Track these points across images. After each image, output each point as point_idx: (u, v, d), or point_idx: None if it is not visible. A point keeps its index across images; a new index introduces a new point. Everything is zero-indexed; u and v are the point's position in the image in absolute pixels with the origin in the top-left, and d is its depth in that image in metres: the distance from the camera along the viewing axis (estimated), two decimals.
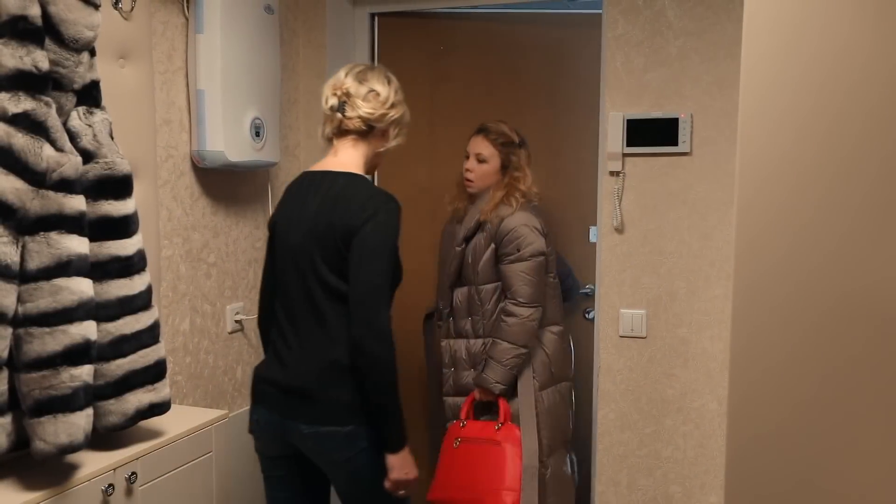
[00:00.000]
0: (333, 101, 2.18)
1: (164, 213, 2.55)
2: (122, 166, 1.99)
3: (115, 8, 2.24)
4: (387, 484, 2.12)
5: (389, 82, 2.21)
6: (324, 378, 2.12)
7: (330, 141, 2.24)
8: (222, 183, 2.81)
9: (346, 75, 2.19)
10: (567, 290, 3.18)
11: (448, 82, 3.39)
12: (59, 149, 1.79)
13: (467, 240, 2.90)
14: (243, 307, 2.94)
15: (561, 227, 3.29)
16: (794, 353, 1.40)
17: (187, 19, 2.61)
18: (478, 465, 2.80)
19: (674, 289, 3.06)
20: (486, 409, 2.93)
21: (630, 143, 3.04)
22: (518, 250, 2.80)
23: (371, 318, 2.03)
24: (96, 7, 1.92)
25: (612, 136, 3.05)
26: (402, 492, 2.15)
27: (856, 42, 1.34)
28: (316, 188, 2.18)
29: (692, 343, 3.05)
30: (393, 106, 2.20)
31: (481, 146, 2.94)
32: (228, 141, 2.64)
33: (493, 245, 2.85)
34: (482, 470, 2.79)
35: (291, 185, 2.29)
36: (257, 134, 2.78)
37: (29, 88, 1.74)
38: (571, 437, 3.10)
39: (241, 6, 2.69)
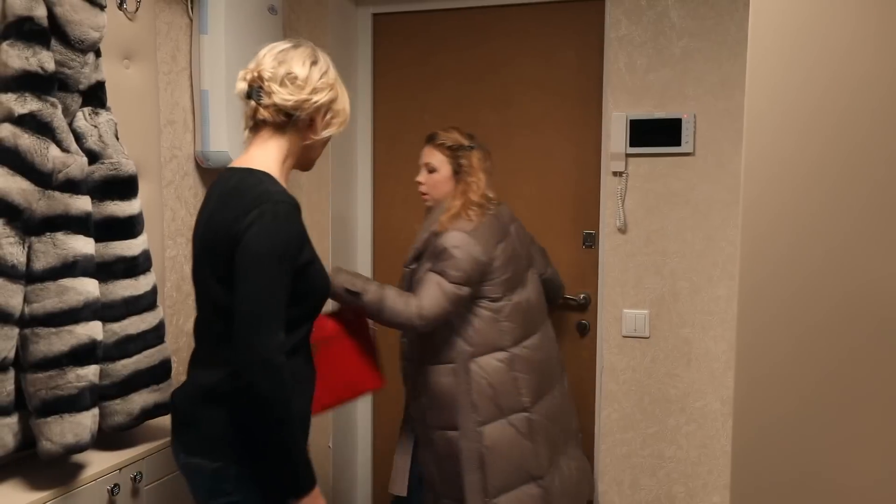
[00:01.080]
0: (242, 86, 1.88)
1: (168, 213, 2.55)
2: (128, 167, 2.00)
3: (120, 9, 2.24)
4: None
5: (315, 62, 1.88)
6: (198, 403, 1.85)
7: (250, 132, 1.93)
8: None
9: (265, 55, 1.88)
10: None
11: (449, 81, 3.39)
12: (65, 149, 1.80)
13: (417, 259, 2.67)
14: None
15: (557, 229, 3.29)
16: (799, 351, 1.40)
17: (191, 20, 2.61)
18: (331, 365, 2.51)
19: (677, 289, 3.06)
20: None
21: (633, 144, 3.04)
22: (445, 271, 2.55)
23: (254, 344, 1.68)
24: (102, 8, 1.93)
25: (616, 136, 3.06)
26: None
27: (860, 43, 1.34)
28: (216, 190, 1.89)
29: (695, 343, 3.06)
30: (316, 90, 1.85)
31: (430, 155, 2.74)
32: (232, 141, 2.64)
33: (429, 263, 2.61)
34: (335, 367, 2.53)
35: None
36: None
37: (35, 89, 1.75)
38: (543, 469, 2.72)
39: (245, 7, 2.70)
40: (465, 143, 2.73)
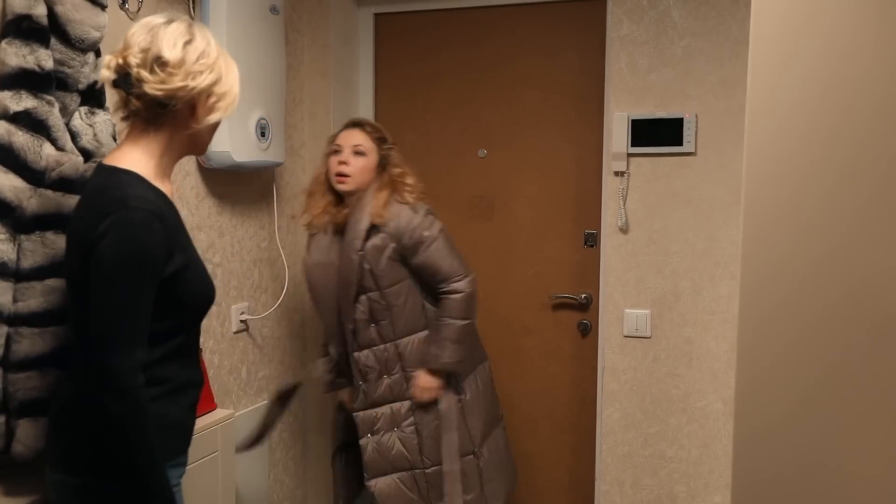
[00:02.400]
0: (107, 75, 1.63)
1: None
2: None
3: (122, 8, 2.24)
4: None
5: (189, 41, 1.63)
6: (59, 414, 1.71)
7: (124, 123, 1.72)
8: (228, 183, 2.81)
9: (134, 34, 1.63)
10: None
11: (451, 81, 3.39)
12: (60, 148, 1.79)
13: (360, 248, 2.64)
14: (248, 307, 2.95)
15: (558, 228, 3.29)
16: (800, 349, 1.40)
17: (193, 20, 2.60)
18: None
19: (678, 289, 3.06)
20: None
21: (635, 144, 3.04)
22: (424, 236, 2.61)
23: (105, 366, 1.54)
24: (103, 8, 1.93)
25: (617, 136, 3.05)
26: None
27: (860, 43, 1.34)
28: (83, 191, 1.71)
29: (697, 343, 3.05)
30: (191, 75, 1.61)
31: (359, 138, 2.68)
32: (234, 141, 2.64)
33: (392, 244, 2.62)
34: None
35: None
36: (262, 134, 2.78)
37: (31, 87, 1.75)
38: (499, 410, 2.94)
39: (247, 7, 2.70)
40: (390, 138, 2.76)
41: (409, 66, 3.46)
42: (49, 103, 1.78)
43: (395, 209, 2.63)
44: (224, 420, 2.44)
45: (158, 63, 1.59)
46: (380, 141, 2.72)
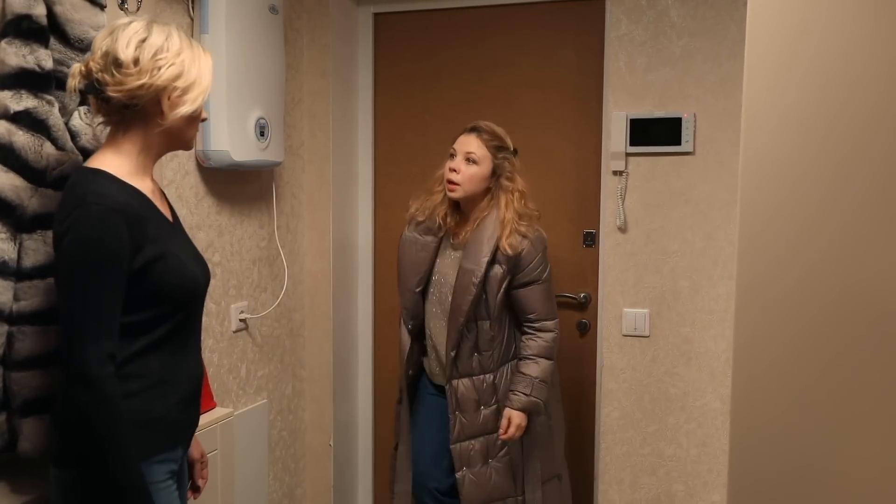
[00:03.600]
0: (72, 82, 1.68)
1: None
2: None
3: (121, 8, 2.24)
4: None
5: (144, 39, 1.65)
6: (54, 409, 1.74)
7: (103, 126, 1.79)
8: (227, 182, 2.81)
9: (98, 41, 1.69)
10: None
11: (450, 80, 3.40)
12: (60, 147, 1.80)
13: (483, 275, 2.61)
14: (248, 306, 2.95)
15: (557, 228, 3.29)
16: (797, 348, 1.40)
17: (192, 20, 2.61)
18: None
19: (677, 288, 3.06)
20: None
21: (633, 143, 3.05)
22: (539, 276, 2.64)
23: (70, 355, 1.58)
24: (102, 7, 1.93)
25: (616, 135, 3.06)
26: None
27: (858, 42, 1.34)
28: None
29: (695, 342, 3.06)
30: (147, 72, 1.63)
31: (473, 145, 2.63)
32: (233, 141, 2.64)
33: (508, 276, 2.61)
34: None
35: None
36: (262, 133, 2.78)
37: (31, 87, 1.75)
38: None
39: (246, 7, 2.70)
40: (510, 146, 2.69)
41: (409, 66, 3.46)
42: (49, 103, 1.78)
43: (517, 241, 2.60)
44: (223, 419, 2.45)
45: (115, 65, 1.63)
46: (496, 149, 2.65)
